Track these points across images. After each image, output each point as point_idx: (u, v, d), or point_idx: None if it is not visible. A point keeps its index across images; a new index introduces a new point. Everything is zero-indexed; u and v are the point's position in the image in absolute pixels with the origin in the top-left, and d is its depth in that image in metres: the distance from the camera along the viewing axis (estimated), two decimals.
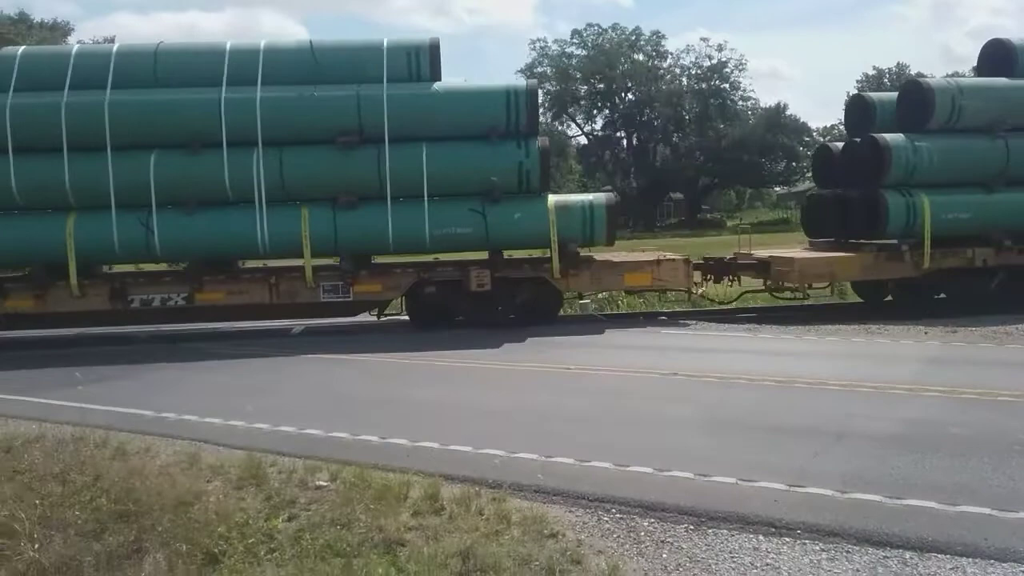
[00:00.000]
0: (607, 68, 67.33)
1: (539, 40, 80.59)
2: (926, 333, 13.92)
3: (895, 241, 16.59)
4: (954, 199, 16.57)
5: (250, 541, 6.03)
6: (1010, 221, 16.61)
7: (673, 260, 16.38)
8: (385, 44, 15.50)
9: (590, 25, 72.26)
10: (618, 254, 17.30)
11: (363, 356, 13.25)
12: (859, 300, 18.88)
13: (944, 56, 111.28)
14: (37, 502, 6.64)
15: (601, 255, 16.68)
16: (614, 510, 6.50)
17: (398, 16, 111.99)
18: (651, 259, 16.36)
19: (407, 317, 16.34)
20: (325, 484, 7.12)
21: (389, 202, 15.14)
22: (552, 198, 15.85)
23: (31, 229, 15.04)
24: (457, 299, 15.66)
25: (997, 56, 17.72)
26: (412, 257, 16.38)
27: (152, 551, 5.98)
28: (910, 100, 17.15)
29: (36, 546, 5.97)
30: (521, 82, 16.81)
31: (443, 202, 15.41)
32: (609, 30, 70.81)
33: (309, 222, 15.05)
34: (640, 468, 7.30)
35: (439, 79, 15.68)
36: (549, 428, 8.69)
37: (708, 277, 17.92)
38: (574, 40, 70.97)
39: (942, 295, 17.00)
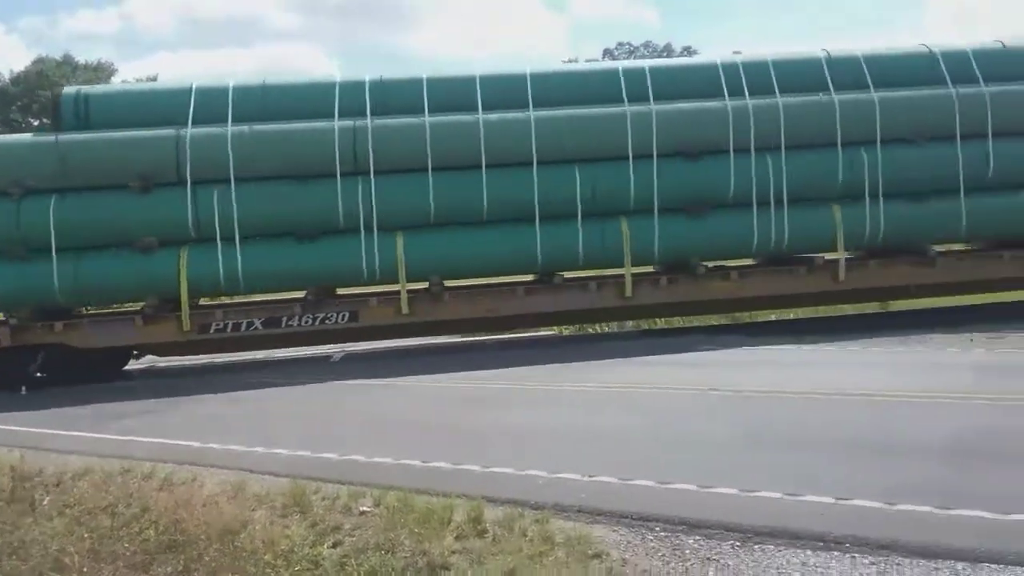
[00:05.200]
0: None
1: (571, 61, 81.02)
2: (971, 340, 13.65)
3: None
4: None
5: (296, 568, 6.10)
6: None
7: None
8: None
9: (621, 44, 72.64)
10: None
11: (402, 380, 13.33)
12: None
13: None
14: (87, 535, 6.77)
15: None
16: (658, 528, 6.46)
17: (435, 46, 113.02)
18: None
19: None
20: (369, 509, 7.17)
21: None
22: None
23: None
24: None
25: None
26: None
27: None
28: None
29: None
30: None
31: None
32: (641, 47, 71.04)
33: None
34: (683, 485, 7.25)
35: None
36: (590, 447, 8.66)
37: None
38: (606, 60, 71.25)
39: None
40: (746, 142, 15.63)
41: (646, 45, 71.05)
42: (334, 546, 6.56)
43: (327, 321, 15.32)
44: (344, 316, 15.36)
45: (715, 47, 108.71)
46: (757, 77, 15.98)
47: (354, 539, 6.64)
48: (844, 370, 12.07)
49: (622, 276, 15.62)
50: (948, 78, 16.09)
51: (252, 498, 7.62)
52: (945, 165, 15.95)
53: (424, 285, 15.48)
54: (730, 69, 16.08)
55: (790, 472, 7.37)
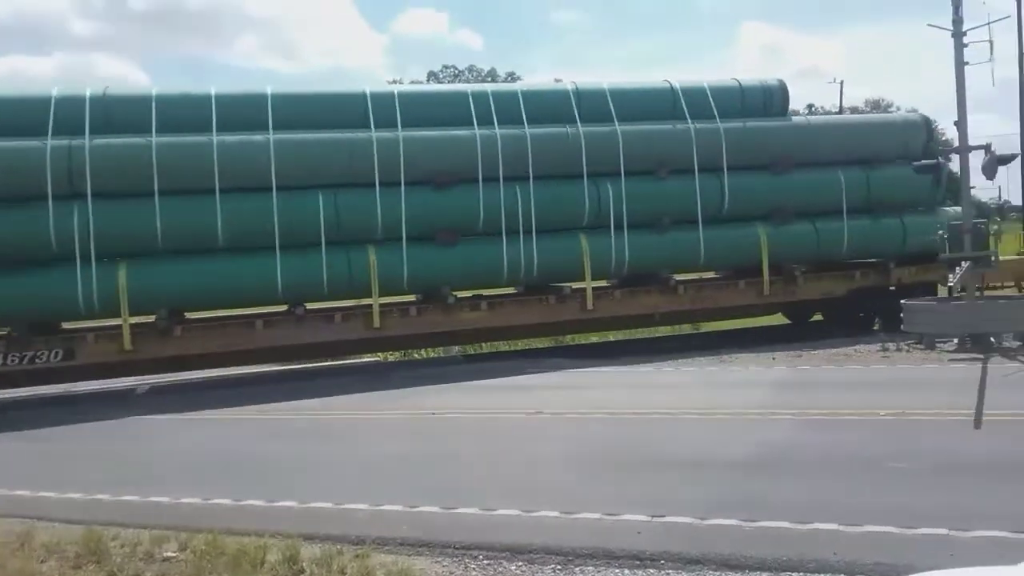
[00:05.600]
0: None
1: (396, 82, 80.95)
2: (774, 359, 14.58)
3: None
4: None
5: None
6: None
7: None
8: None
9: (446, 67, 73.03)
10: None
11: (214, 413, 12.63)
12: None
13: None
14: None
15: None
16: (481, 556, 6.38)
17: (244, 59, 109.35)
18: None
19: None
20: (174, 555, 6.67)
21: None
22: None
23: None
24: None
25: None
26: None
27: None
28: None
29: None
30: None
31: None
32: (465, 71, 71.72)
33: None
34: (507, 511, 7.22)
35: None
36: (414, 477, 8.50)
37: None
38: (431, 82, 71.56)
39: None
40: (495, 171, 15.66)
41: (470, 69, 71.91)
42: None
43: (37, 360, 13.87)
44: (57, 354, 13.97)
45: (539, 74, 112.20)
46: (506, 107, 16.11)
47: None
48: (660, 391, 12.54)
49: (370, 306, 15.23)
50: (687, 113, 16.98)
51: (41, 548, 6.92)
52: (684, 197, 16.70)
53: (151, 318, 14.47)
54: (479, 98, 16.15)
55: (610, 492, 7.52)
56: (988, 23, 15.46)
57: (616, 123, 16.43)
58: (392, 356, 18.67)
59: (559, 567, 6.11)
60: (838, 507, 6.77)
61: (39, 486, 8.83)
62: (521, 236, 15.76)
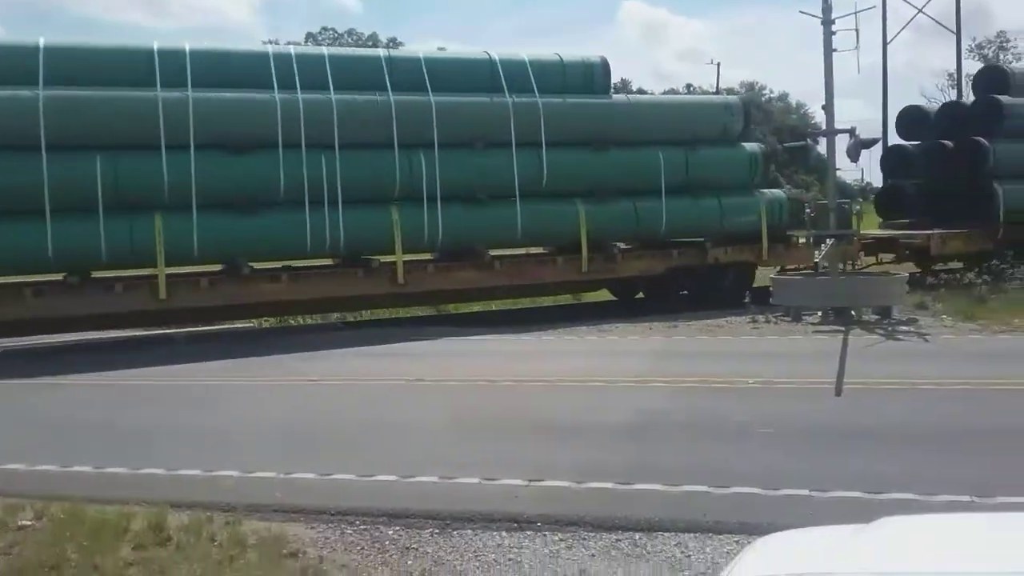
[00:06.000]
0: None
1: (271, 42, 78.24)
2: (651, 328, 14.95)
3: None
4: None
5: None
6: None
7: None
8: None
9: (325, 29, 71.04)
10: None
11: (73, 378, 11.94)
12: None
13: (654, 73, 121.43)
14: None
15: None
16: (358, 522, 6.29)
17: (110, 13, 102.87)
18: None
19: None
20: (30, 523, 6.30)
21: None
22: None
23: None
24: None
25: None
26: None
27: None
28: None
29: None
30: None
31: None
32: (345, 35, 70.02)
33: None
34: (385, 476, 7.15)
35: None
36: (290, 443, 8.30)
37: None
38: (308, 44, 69.48)
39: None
40: (297, 138, 14.90)
41: (350, 32, 70.28)
42: None
43: None
44: None
45: (424, 42, 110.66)
46: (312, 72, 15.33)
47: (11, 557, 5.80)
48: (542, 359, 12.67)
49: (155, 276, 14.27)
50: (505, 86, 16.53)
51: None
52: (501, 172, 16.33)
53: None
54: (282, 61, 15.39)
55: (489, 457, 7.54)
56: (855, 12, 16.21)
57: (431, 93, 15.92)
58: (267, 322, 18.16)
59: (437, 531, 6.10)
60: (708, 470, 7.01)
61: None
62: (326, 206, 15.06)
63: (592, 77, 17.96)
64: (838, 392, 9.68)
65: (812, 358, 12.05)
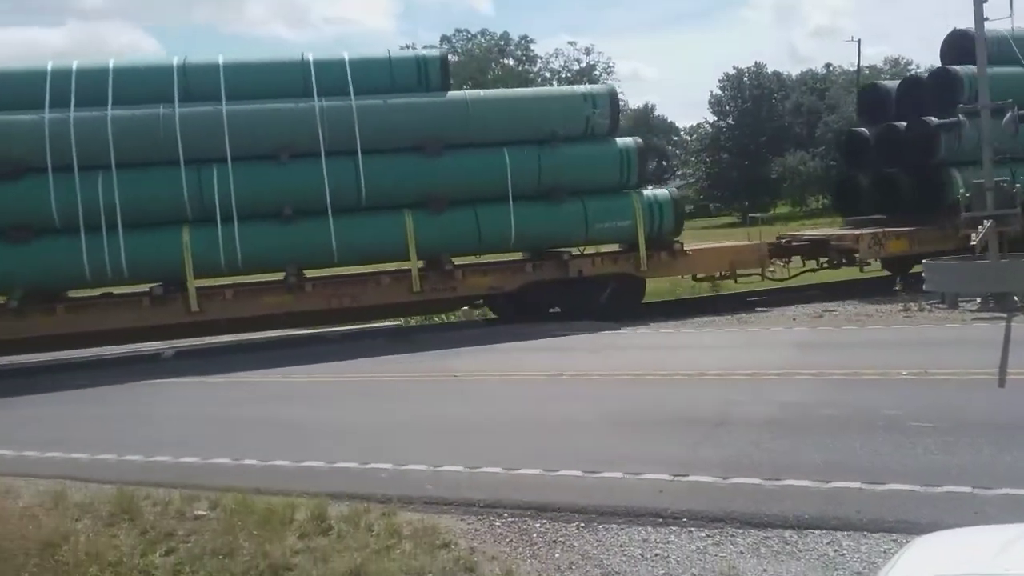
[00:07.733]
0: (478, 73, 67.67)
1: (409, 47, 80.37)
2: (794, 320, 14.54)
3: None
4: None
5: None
6: None
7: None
8: None
9: (459, 31, 72.45)
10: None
11: (242, 375, 12.79)
12: None
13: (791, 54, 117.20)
14: None
15: None
16: (506, 514, 6.47)
17: (254, 27, 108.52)
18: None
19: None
20: (204, 513, 6.82)
21: None
22: None
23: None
24: None
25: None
26: None
27: None
28: None
29: None
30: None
31: None
32: (478, 35, 71.19)
33: None
34: (530, 470, 7.30)
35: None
36: (438, 437, 8.59)
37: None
38: (443, 46, 70.95)
39: None
40: (69, 159, 14.03)
41: (483, 33, 71.30)
42: (167, 554, 6.19)
43: None
44: None
45: (552, 36, 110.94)
46: (89, 87, 14.42)
47: (189, 545, 6.29)
48: (681, 352, 12.57)
49: None
50: (316, 90, 15.20)
51: (74, 508, 7.08)
52: (310, 184, 14.99)
53: None
54: (59, 76, 14.49)
55: (632, 451, 7.57)
56: None
57: (224, 102, 14.76)
58: (412, 321, 18.77)
59: (582, 525, 6.20)
60: (860, 466, 6.79)
61: (72, 448, 9.00)
62: (104, 231, 14.21)
63: (427, 74, 16.29)
64: (1001, 383, 9.15)
65: (971, 347, 11.42)
